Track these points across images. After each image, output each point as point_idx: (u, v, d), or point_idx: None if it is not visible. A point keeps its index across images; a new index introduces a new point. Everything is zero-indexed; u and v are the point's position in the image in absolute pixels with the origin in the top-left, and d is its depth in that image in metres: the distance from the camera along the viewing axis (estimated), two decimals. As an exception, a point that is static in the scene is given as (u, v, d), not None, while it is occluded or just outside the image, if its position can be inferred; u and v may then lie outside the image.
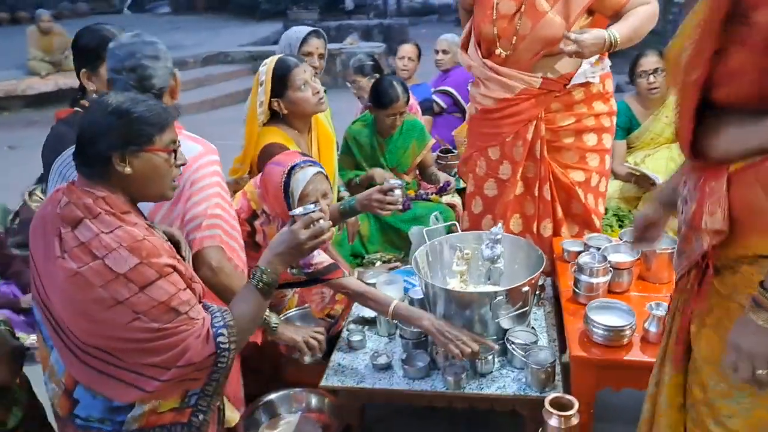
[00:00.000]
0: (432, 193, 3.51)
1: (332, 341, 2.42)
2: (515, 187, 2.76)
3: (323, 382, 2.13)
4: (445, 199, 3.51)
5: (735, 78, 1.18)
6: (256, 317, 1.63)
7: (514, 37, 2.53)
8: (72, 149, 1.52)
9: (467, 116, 3.17)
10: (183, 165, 1.60)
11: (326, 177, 2.25)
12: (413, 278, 2.59)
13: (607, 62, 2.68)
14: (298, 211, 1.69)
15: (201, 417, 1.53)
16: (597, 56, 2.58)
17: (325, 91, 2.74)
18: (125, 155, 1.45)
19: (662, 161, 3.57)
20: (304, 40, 3.18)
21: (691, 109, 1.24)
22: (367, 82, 3.83)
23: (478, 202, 2.90)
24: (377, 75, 3.85)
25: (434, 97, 4.47)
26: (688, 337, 1.38)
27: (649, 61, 3.54)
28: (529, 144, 2.65)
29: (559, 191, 2.75)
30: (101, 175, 1.46)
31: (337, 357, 2.24)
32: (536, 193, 2.74)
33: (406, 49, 4.28)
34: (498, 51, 2.59)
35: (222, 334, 1.50)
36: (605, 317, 2.00)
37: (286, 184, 2.12)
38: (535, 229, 2.80)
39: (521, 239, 2.44)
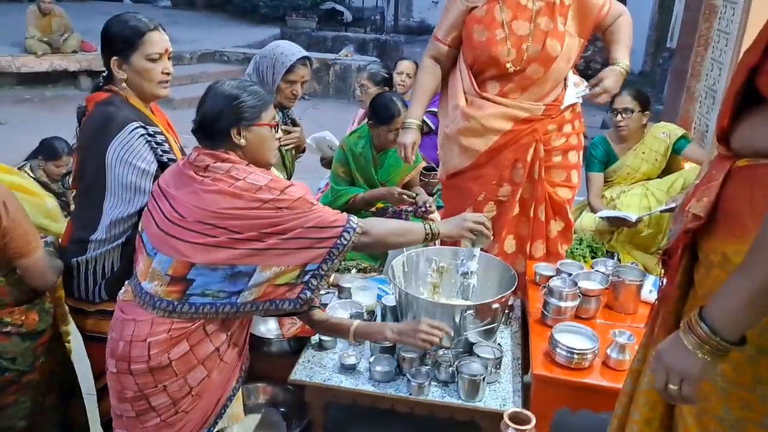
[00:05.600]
0: (410, 213, 3.55)
1: (303, 339, 2.47)
2: (514, 207, 2.77)
3: (291, 377, 2.18)
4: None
5: None
6: (402, 237, 1.99)
7: (525, 56, 2.53)
8: (126, 133, 1.93)
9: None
10: (280, 138, 1.99)
11: None
12: (387, 287, 2.65)
13: (585, 82, 2.74)
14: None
15: (308, 294, 1.80)
16: (579, 77, 2.67)
17: None
18: (240, 129, 1.81)
19: (637, 197, 3.66)
20: (292, 68, 2.77)
21: (734, 89, 1.23)
22: (375, 91, 3.81)
23: None
24: (386, 88, 3.82)
25: (424, 117, 4.48)
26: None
27: (622, 100, 3.67)
28: (528, 165, 2.69)
29: (549, 210, 2.79)
30: (222, 147, 1.82)
31: (307, 354, 2.30)
32: (531, 214, 2.78)
33: (405, 65, 4.22)
34: (509, 67, 2.54)
35: (354, 221, 1.84)
36: (570, 340, 2.07)
37: None
38: (528, 250, 2.83)
39: (496, 258, 2.50)
